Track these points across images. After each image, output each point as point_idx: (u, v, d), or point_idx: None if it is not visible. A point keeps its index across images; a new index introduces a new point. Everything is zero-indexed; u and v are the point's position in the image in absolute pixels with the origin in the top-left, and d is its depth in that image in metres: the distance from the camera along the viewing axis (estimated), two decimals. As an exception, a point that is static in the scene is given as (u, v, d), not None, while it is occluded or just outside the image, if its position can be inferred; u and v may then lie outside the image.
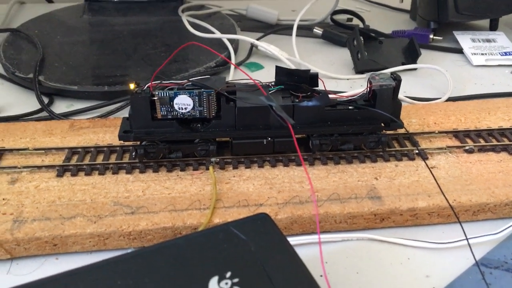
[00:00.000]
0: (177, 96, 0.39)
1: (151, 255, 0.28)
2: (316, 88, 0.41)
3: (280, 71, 0.41)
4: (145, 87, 0.39)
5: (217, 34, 0.65)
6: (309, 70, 0.41)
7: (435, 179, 0.37)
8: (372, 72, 0.42)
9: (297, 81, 0.41)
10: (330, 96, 0.41)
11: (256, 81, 0.40)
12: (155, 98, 0.39)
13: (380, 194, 0.39)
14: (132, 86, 0.39)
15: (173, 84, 0.39)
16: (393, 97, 0.41)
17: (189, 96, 0.39)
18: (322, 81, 0.42)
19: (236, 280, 0.26)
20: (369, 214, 0.37)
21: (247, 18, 0.78)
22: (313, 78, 0.42)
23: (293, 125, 0.39)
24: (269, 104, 0.38)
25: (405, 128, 0.41)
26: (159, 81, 0.39)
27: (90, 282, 0.26)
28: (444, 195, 0.36)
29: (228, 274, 0.26)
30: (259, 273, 0.27)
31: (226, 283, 0.26)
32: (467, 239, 0.34)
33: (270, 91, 0.40)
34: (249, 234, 0.29)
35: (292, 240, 0.36)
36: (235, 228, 0.29)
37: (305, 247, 0.36)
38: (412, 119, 0.48)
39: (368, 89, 0.41)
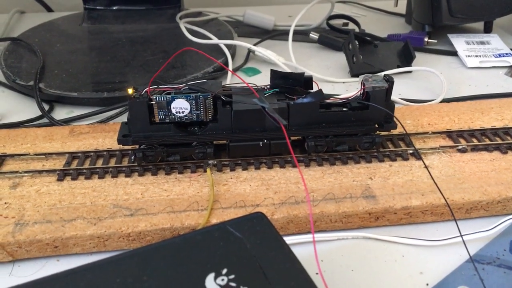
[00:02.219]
0: (174, 100, 0.40)
1: (149, 254, 0.28)
2: (310, 91, 0.42)
3: (275, 74, 0.42)
4: (143, 91, 0.40)
5: (215, 40, 0.66)
6: (303, 73, 0.42)
7: (431, 177, 0.38)
8: (365, 74, 0.43)
9: (292, 84, 0.42)
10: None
11: (251, 85, 0.41)
12: (152, 102, 0.39)
13: (375, 194, 0.39)
14: (130, 91, 0.39)
15: (170, 88, 0.40)
16: (386, 98, 0.41)
17: (186, 100, 0.40)
18: (317, 84, 0.43)
19: (232, 276, 0.27)
20: (363, 213, 0.38)
21: (244, 24, 0.79)
22: (308, 81, 0.42)
23: (288, 126, 0.40)
24: (261, 106, 0.39)
25: (403, 127, 0.41)
26: (156, 86, 0.40)
27: (90, 280, 0.27)
28: (441, 191, 0.37)
29: (224, 271, 0.27)
30: (255, 269, 0.27)
31: (223, 280, 0.27)
32: (461, 235, 0.35)
33: (265, 94, 0.41)
34: (245, 233, 0.30)
35: (288, 240, 0.37)
36: (231, 226, 0.30)
37: (301, 246, 0.37)
38: (406, 120, 0.49)
39: (361, 90, 0.42)
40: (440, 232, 0.38)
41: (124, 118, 0.50)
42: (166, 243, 0.29)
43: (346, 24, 0.80)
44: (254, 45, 0.68)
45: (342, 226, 0.39)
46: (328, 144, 0.43)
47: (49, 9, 0.90)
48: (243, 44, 0.66)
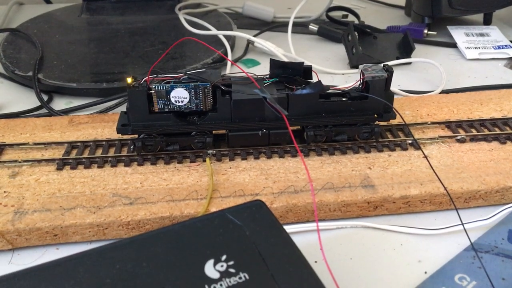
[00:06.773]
0: (173, 89, 0.39)
1: (149, 241, 0.28)
2: (310, 80, 0.42)
3: (274, 64, 0.42)
4: (142, 81, 0.40)
5: (214, 31, 0.66)
6: (303, 63, 0.42)
7: (431, 166, 0.38)
8: (365, 64, 0.43)
9: (291, 74, 0.42)
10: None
11: (250, 75, 0.41)
12: (152, 91, 0.39)
13: (374, 183, 0.39)
14: (129, 80, 0.39)
15: (169, 77, 0.40)
16: (385, 88, 0.41)
17: (186, 89, 0.40)
18: (316, 74, 0.43)
19: (231, 262, 0.27)
20: (362, 202, 0.38)
21: (243, 16, 0.79)
22: (307, 71, 0.42)
23: (287, 116, 0.40)
24: (262, 96, 0.39)
25: (401, 117, 0.41)
26: (155, 75, 0.40)
27: (90, 266, 0.27)
28: (440, 180, 0.37)
29: (224, 257, 0.27)
30: (254, 256, 0.27)
31: (222, 266, 0.27)
32: (462, 224, 0.35)
33: (264, 83, 0.41)
34: (244, 220, 0.30)
35: (287, 228, 0.37)
36: (231, 214, 0.30)
37: (300, 235, 0.37)
38: (405, 111, 0.49)
39: (361, 80, 0.42)
40: (438, 221, 0.39)
41: (122, 109, 0.50)
42: (166, 230, 0.29)
43: (346, 16, 0.80)
44: (254, 36, 0.67)
45: (341, 215, 0.39)
46: (327, 134, 0.43)
47: (48, 1, 0.90)
48: (242, 35, 0.65)
